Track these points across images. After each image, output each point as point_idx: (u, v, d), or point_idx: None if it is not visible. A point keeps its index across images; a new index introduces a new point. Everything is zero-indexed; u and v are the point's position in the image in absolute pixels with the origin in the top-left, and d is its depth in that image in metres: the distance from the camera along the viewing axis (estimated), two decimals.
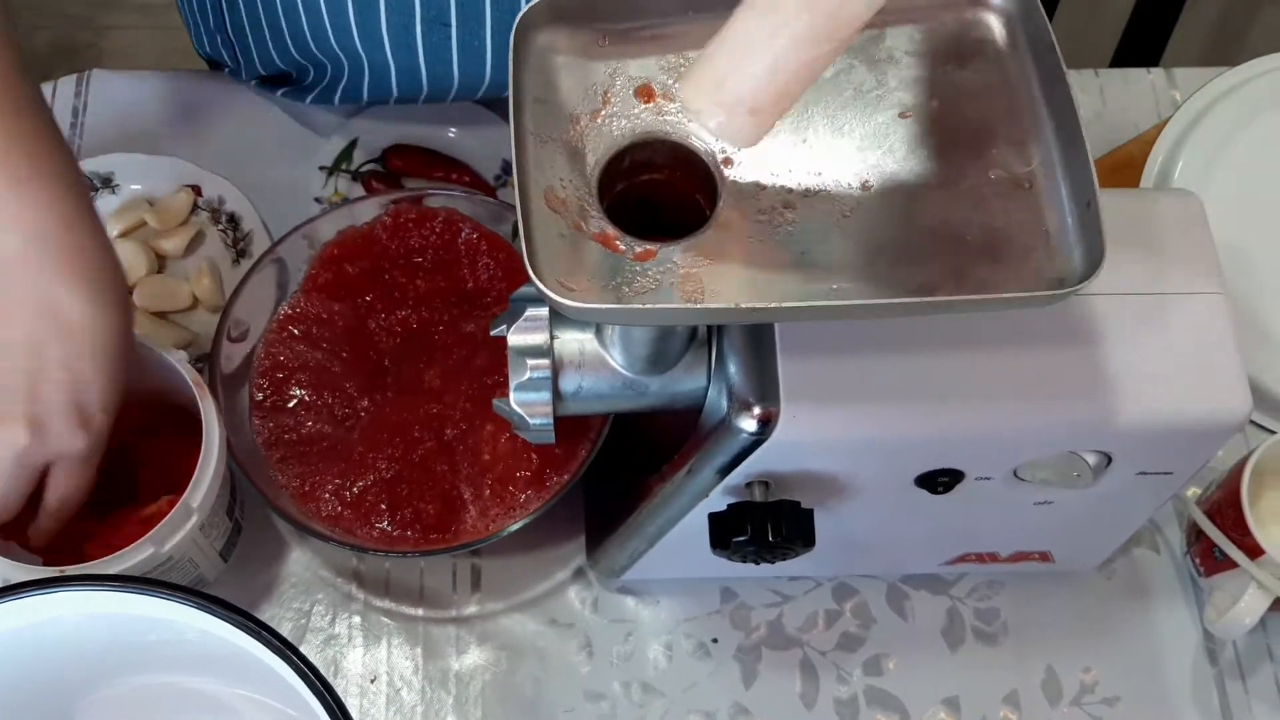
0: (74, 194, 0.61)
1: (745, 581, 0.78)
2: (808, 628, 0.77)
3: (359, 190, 0.87)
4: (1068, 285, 0.48)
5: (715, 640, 0.76)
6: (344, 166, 0.87)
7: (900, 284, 0.49)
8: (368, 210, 0.78)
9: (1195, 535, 0.76)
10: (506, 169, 0.88)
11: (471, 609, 0.76)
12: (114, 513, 0.70)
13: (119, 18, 1.85)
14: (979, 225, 0.50)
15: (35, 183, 0.59)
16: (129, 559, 0.64)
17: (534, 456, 0.72)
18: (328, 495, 0.72)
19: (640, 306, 0.47)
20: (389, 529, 0.71)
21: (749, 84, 0.48)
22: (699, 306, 0.47)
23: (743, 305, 0.47)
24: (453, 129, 0.88)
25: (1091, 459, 0.62)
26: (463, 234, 0.79)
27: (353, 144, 0.88)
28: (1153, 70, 0.97)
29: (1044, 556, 0.75)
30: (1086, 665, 0.76)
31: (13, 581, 0.60)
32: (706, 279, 0.49)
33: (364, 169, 0.87)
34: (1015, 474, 0.64)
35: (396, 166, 0.87)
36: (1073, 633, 0.77)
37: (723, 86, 0.48)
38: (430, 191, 0.79)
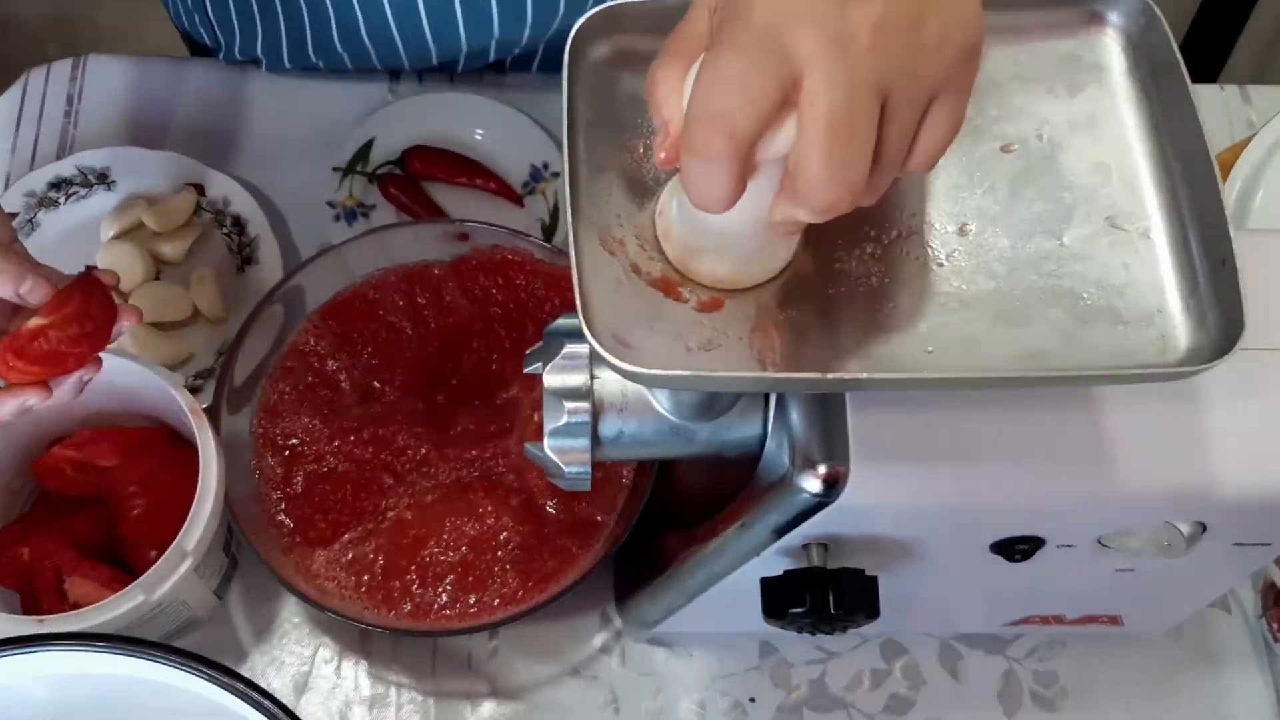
0: None
1: (786, 636, 0.71)
2: (853, 687, 0.71)
3: (375, 194, 0.80)
4: (1200, 358, 0.42)
5: (753, 700, 0.70)
6: (360, 168, 0.81)
7: (1003, 346, 0.43)
8: (399, 240, 0.72)
9: (1273, 597, 0.71)
10: (535, 175, 0.81)
11: (487, 657, 0.70)
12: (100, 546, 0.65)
13: None
14: (1093, 281, 0.44)
15: None
16: (115, 608, 0.58)
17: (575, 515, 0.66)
18: (337, 569, 0.66)
19: (712, 374, 0.41)
20: (410, 608, 0.65)
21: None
22: (779, 375, 0.41)
23: (830, 376, 0.40)
24: (479, 130, 0.82)
25: (1186, 529, 0.56)
26: (523, 283, 0.72)
27: (369, 143, 0.81)
28: (1226, 87, 0.91)
29: (1113, 620, 0.69)
30: None
31: None
32: (780, 335, 0.43)
33: (381, 171, 0.81)
34: (1099, 541, 0.57)
35: (416, 169, 0.81)
36: (1137, 698, 0.72)
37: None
38: (471, 224, 0.72)
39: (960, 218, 0.45)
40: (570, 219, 0.42)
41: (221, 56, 0.83)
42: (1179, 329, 0.43)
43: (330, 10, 0.76)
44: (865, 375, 0.41)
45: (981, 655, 0.72)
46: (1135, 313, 0.43)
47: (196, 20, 0.82)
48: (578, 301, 0.41)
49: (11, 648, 0.52)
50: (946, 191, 0.45)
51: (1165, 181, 0.45)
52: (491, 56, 0.80)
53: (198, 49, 0.90)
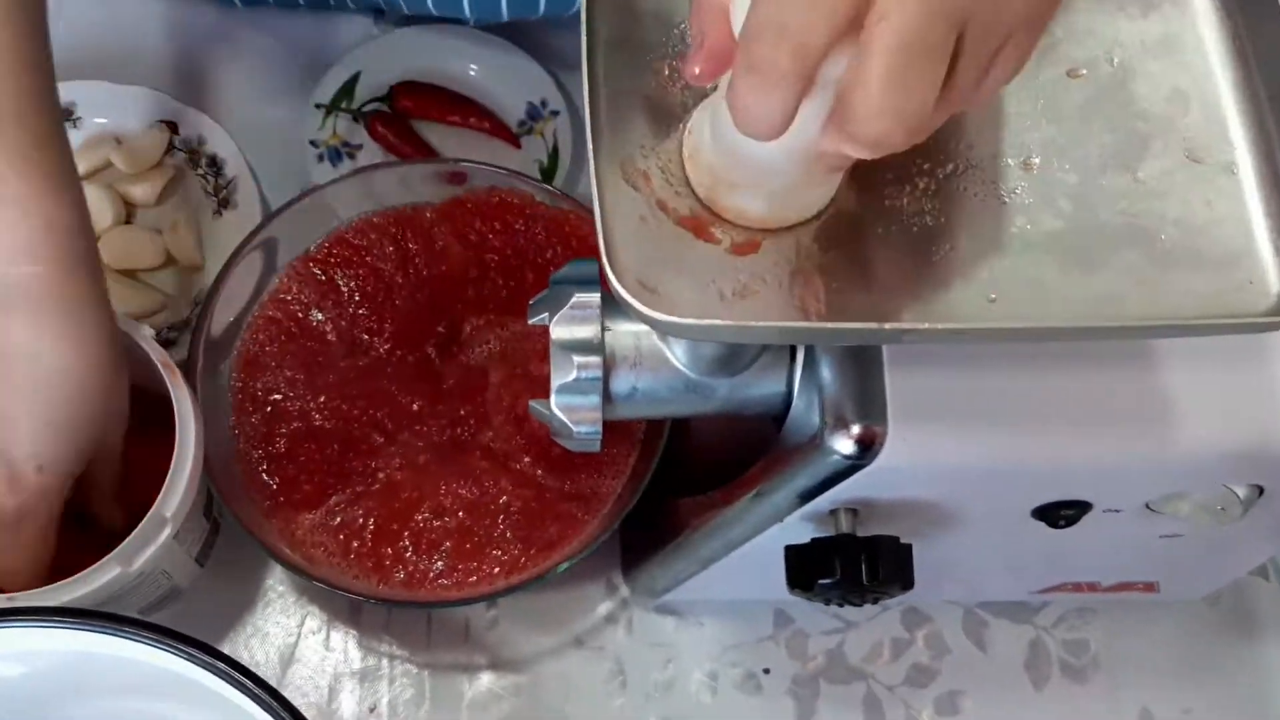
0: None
1: (802, 605, 0.67)
2: (873, 658, 0.67)
3: (360, 133, 0.75)
4: None
5: (767, 671, 0.66)
6: (344, 105, 0.75)
7: (1073, 292, 0.39)
8: (387, 181, 0.66)
9: None
10: (533, 113, 0.76)
11: (486, 627, 0.66)
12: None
13: None
14: (1171, 220, 0.40)
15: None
16: (91, 581, 0.53)
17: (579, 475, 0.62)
18: (324, 535, 0.61)
19: (752, 324, 0.36)
20: (403, 577, 0.61)
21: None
22: (828, 326, 0.37)
23: (888, 326, 0.36)
24: (473, 65, 0.76)
25: (1243, 492, 0.52)
26: (523, 228, 0.67)
27: (355, 78, 0.76)
28: None
29: (1148, 587, 0.66)
30: (1187, 706, 0.67)
31: None
32: (824, 281, 0.39)
33: (367, 109, 0.75)
34: (1148, 506, 0.53)
35: (405, 107, 0.75)
36: (1171, 668, 0.68)
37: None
38: (465, 164, 0.67)
39: (1024, 150, 0.40)
40: (591, 147, 0.37)
41: None
42: (1270, 273, 0.39)
43: None
44: (927, 326, 0.36)
45: (1008, 624, 0.68)
46: (1220, 255, 0.39)
47: None
48: (600, 240, 0.36)
49: None
50: (1009, 121, 0.41)
51: (1251, 110, 0.41)
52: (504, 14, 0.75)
53: None
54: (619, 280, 0.36)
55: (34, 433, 0.50)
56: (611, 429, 0.60)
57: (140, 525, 0.54)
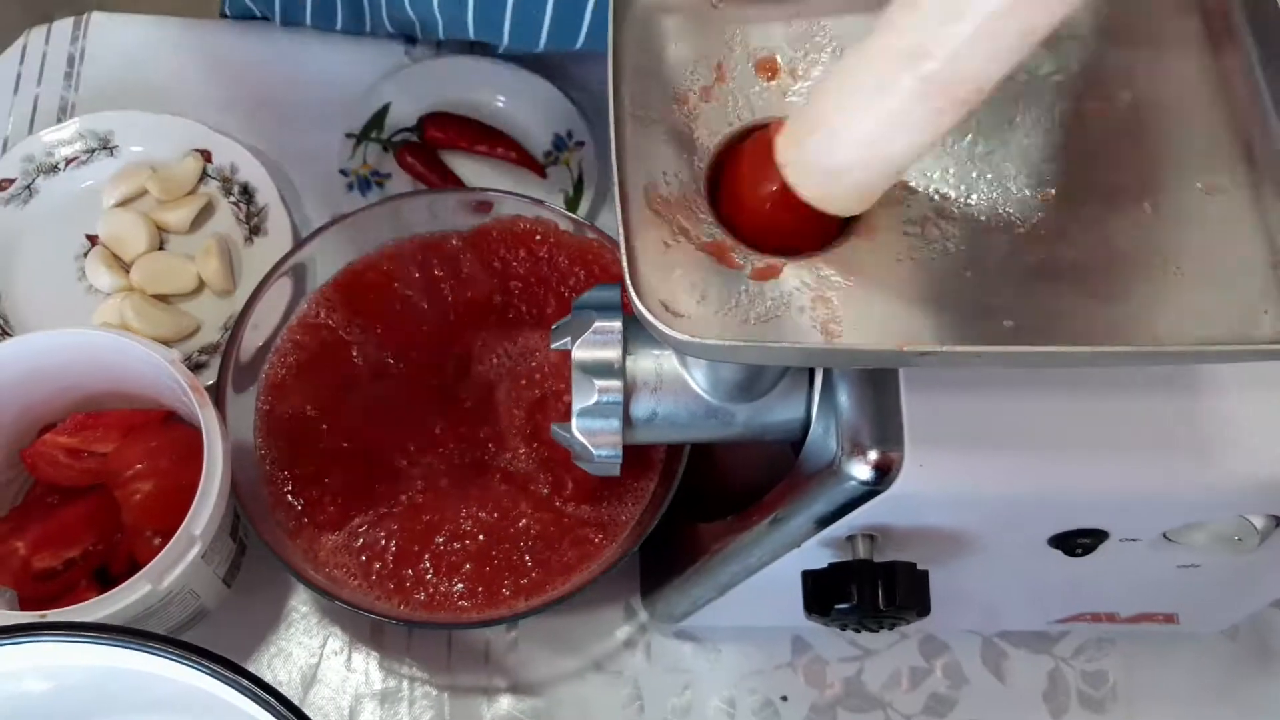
0: None
1: (820, 632, 0.67)
2: (891, 686, 0.67)
3: (390, 162, 0.76)
4: None
5: (785, 698, 0.66)
6: (374, 135, 0.77)
7: (1089, 320, 0.39)
8: (415, 210, 0.68)
9: None
10: (559, 143, 0.77)
11: (505, 650, 0.67)
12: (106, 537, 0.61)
13: None
14: (1186, 250, 0.40)
15: None
16: (121, 599, 0.54)
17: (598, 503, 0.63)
18: (346, 556, 0.62)
19: (774, 345, 0.37)
20: (424, 598, 0.62)
21: (846, 150, 0.37)
22: (847, 348, 0.37)
23: (907, 349, 0.36)
24: (501, 96, 0.78)
25: (1259, 522, 0.52)
26: (546, 255, 0.68)
27: (385, 109, 0.77)
28: None
29: (1168, 618, 0.66)
30: None
31: None
32: (843, 306, 0.39)
33: (396, 139, 0.77)
34: (1165, 536, 0.54)
35: (434, 138, 0.77)
36: (1191, 701, 0.68)
37: (812, 145, 0.38)
38: (491, 193, 0.68)
39: (1041, 181, 0.41)
40: (617, 173, 0.38)
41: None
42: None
43: None
44: (945, 349, 0.37)
45: (1026, 654, 0.68)
46: (1234, 284, 0.39)
47: None
48: (624, 263, 0.37)
49: (5, 638, 0.49)
50: (1025, 154, 0.41)
51: (1263, 143, 0.41)
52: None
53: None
54: (643, 302, 0.37)
55: None
56: (632, 456, 0.61)
57: (169, 543, 0.55)
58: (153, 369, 0.59)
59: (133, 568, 0.57)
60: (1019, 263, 0.40)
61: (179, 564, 0.55)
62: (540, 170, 0.77)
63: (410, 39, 0.80)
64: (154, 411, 0.64)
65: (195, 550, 0.56)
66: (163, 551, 0.54)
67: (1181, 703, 0.68)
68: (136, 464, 0.62)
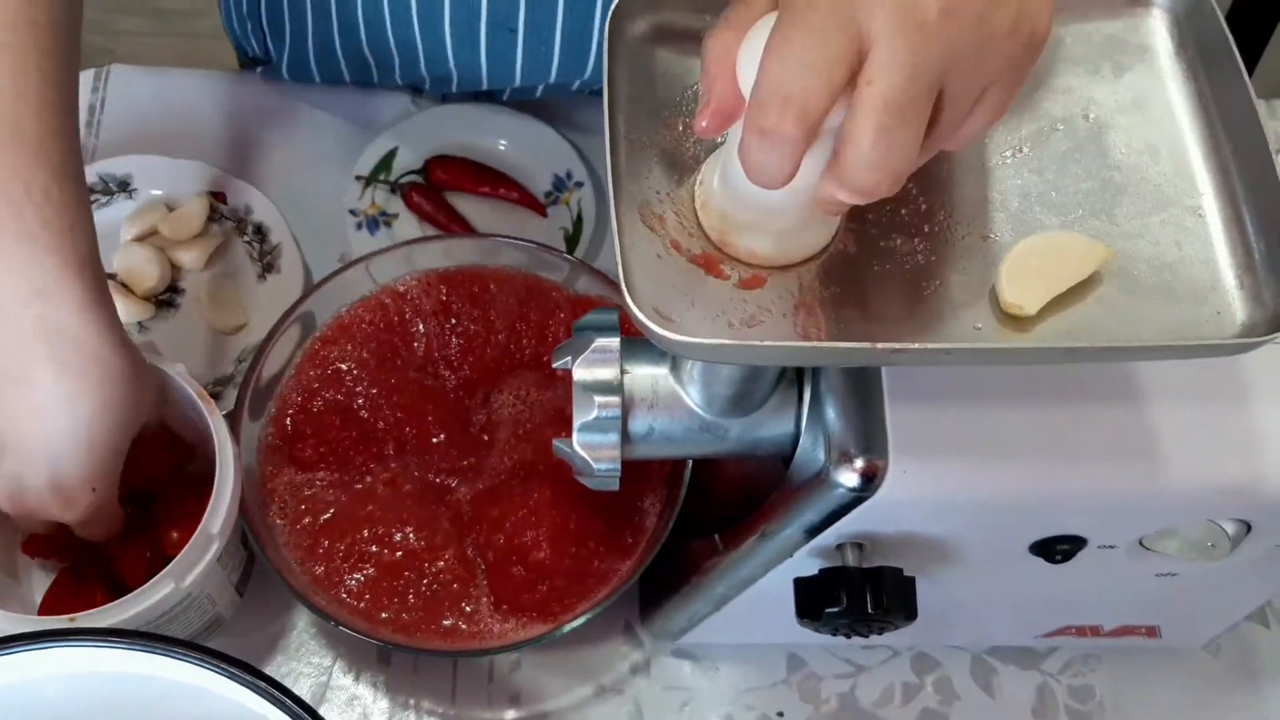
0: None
1: (815, 649, 0.70)
2: (884, 702, 0.69)
3: (397, 203, 0.80)
4: (1257, 332, 0.41)
5: (781, 714, 0.68)
6: (382, 177, 0.80)
7: (1054, 324, 0.42)
8: (429, 255, 0.70)
9: None
10: (559, 185, 0.81)
11: (509, 671, 0.69)
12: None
13: (134, 23, 1.78)
14: (1144, 259, 0.43)
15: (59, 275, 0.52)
16: (148, 598, 0.56)
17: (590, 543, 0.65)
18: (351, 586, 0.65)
19: (758, 344, 0.40)
20: (410, 617, 0.64)
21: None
22: (824, 345, 0.40)
23: (879, 346, 0.39)
24: (503, 140, 0.81)
25: (1230, 528, 0.55)
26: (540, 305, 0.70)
27: (392, 153, 0.81)
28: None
29: (1150, 631, 0.68)
30: None
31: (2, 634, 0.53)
32: (824, 312, 0.42)
33: (403, 181, 0.80)
34: (1140, 543, 0.56)
35: (439, 179, 0.80)
36: (1176, 716, 0.70)
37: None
38: (500, 240, 0.71)
39: (1007, 196, 0.44)
40: (612, 192, 0.41)
41: (268, 64, 0.83)
42: (1234, 305, 0.42)
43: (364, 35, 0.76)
44: (916, 346, 0.40)
45: (1015, 670, 0.70)
46: (1189, 290, 0.42)
47: (249, 28, 0.82)
48: (620, 274, 0.40)
49: (27, 643, 0.51)
50: (994, 170, 0.44)
51: (1216, 160, 0.45)
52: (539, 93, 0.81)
53: (246, 64, 0.90)
54: (638, 308, 0.40)
55: (79, 464, 0.54)
56: (633, 488, 0.63)
57: (189, 544, 0.57)
58: (161, 386, 0.61)
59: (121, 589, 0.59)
60: (987, 272, 0.43)
61: (200, 562, 0.58)
62: (541, 209, 0.80)
63: (415, 89, 0.84)
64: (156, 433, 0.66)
65: (214, 548, 0.58)
66: (183, 551, 0.57)
67: (1166, 717, 0.69)
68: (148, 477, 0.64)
